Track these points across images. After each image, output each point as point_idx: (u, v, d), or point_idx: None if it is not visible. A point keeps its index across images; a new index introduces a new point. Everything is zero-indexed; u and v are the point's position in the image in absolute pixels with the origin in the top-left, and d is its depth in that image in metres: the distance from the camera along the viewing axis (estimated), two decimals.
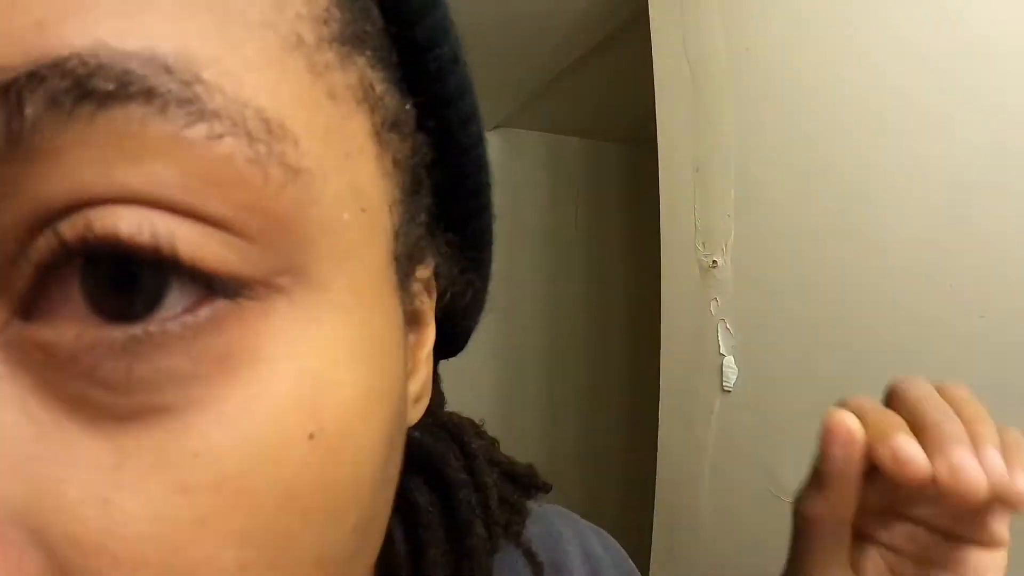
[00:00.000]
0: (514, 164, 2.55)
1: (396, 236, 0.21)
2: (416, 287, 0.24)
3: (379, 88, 0.20)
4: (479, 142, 0.26)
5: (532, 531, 0.35)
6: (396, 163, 0.21)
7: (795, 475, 0.98)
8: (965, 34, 0.80)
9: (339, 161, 0.18)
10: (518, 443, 2.48)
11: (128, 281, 0.14)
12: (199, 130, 0.14)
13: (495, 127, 2.51)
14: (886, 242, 0.90)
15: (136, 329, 0.14)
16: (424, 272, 0.25)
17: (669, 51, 1.31)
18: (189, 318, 0.15)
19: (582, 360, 2.63)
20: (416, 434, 0.30)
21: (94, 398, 0.14)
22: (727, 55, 1.17)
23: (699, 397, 1.21)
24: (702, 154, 1.23)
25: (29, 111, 0.13)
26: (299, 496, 0.16)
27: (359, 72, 0.19)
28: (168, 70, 0.14)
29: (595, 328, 2.64)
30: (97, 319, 0.14)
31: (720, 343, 1.17)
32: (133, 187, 0.14)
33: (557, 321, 2.60)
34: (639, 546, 1.38)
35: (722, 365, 1.16)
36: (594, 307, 2.64)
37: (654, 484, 1.29)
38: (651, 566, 1.28)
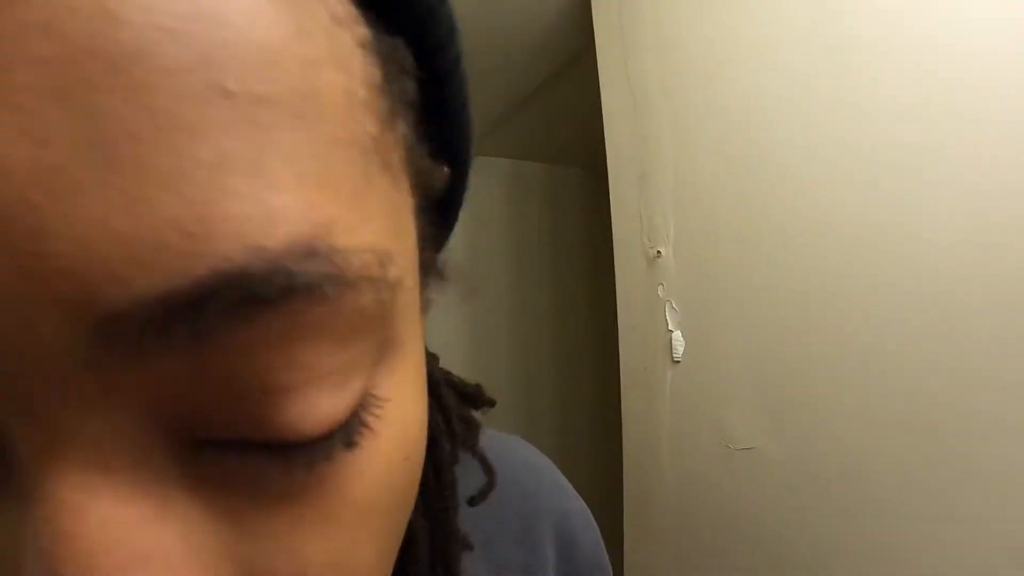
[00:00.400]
0: (480, 188, 2.72)
1: (422, 262, 0.21)
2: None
3: (412, 139, 0.20)
4: (469, 144, 0.26)
5: (506, 468, 0.38)
6: (418, 213, 0.21)
7: (742, 427, 1.17)
8: (872, 44, 0.96)
9: (404, 243, 0.18)
10: (490, 423, 2.63)
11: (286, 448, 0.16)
12: (345, 299, 0.15)
13: None
14: (798, 224, 1.08)
15: (296, 463, 0.16)
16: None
17: (614, 76, 1.50)
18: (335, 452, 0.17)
19: (550, 357, 2.79)
20: None
21: (258, 484, 0.16)
22: (660, 76, 1.37)
23: (654, 369, 1.38)
24: (645, 166, 1.42)
25: (209, 320, 0.13)
26: (403, 503, 0.20)
27: (403, 133, 0.19)
28: (314, 254, 0.14)
29: (560, 327, 2.79)
30: (263, 465, 0.16)
31: (668, 320, 1.35)
32: (296, 371, 0.15)
33: (525, 327, 2.74)
34: (612, 507, 1.53)
35: (671, 340, 1.33)
36: (558, 309, 2.81)
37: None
38: (624, 525, 1.42)
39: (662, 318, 1.36)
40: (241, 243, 0.13)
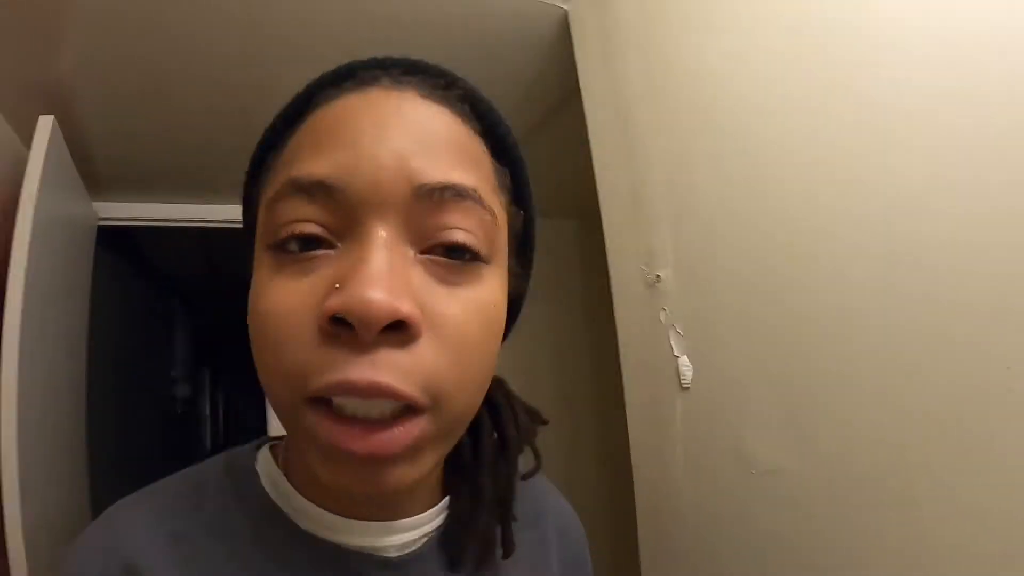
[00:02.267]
0: None
1: (509, 256, 0.46)
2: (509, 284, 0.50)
3: (507, 203, 0.46)
4: (534, 222, 0.52)
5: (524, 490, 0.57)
6: (510, 230, 0.47)
7: (762, 450, 1.10)
8: (863, 58, 0.93)
9: (503, 227, 0.44)
10: None
11: (457, 250, 0.40)
12: (481, 212, 0.41)
13: None
14: (802, 234, 1.02)
15: (457, 262, 0.40)
16: (512, 280, 0.50)
17: (600, 102, 1.49)
18: (471, 263, 0.40)
19: (551, 394, 2.79)
20: None
21: (443, 278, 0.39)
22: (648, 97, 1.34)
23: (662, 399, 1.31)
24: (639, 187, 1.38)
25: (446, 195, 0.39)
26: (493, 323, 0.42)
27: (503, 197, 0.46)
28: (476, 190, 0.41)
29: (561, 371, 2.79)
30: (447, 258, 0.40)
31: (673, 346, 1.28)
32: (465, 225, 0.40)
33: (527, 378, 2.70)
34: (626, 548, 1.44)
35: (678, 365, 1.26)
36: (559, 353, 2.83)
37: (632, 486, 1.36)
38: (640, 555, 1.34)
39: (666, 345, 1.29)
40: (459, 179, 0.40)
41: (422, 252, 0.40)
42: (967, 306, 0.80)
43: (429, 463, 0.40)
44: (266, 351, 0.39)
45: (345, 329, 0.35)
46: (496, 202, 0.44)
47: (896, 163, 0.89)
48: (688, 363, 1.24)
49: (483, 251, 0.41)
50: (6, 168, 1.57)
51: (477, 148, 0.44)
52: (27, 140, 1.53)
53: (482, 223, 0.41)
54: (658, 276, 1.32)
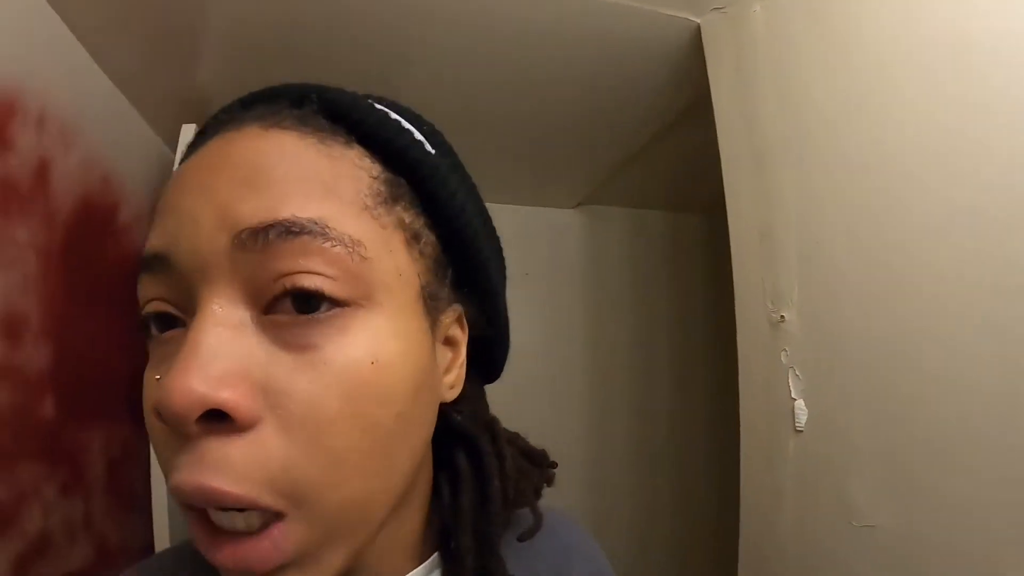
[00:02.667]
0: (598, 238, 2.73)
1: (422, 288, 0.42)
2: (447, 320, 0.45)
3: (407, 218, 0.41)
4: (474, 236, 0.46)
5: (544, 541, 0.52)
6: (421, 253, 0.42)
7: (865, 503, 1.12)
8: (1012, 103, 0.91)
9: (386, 254, 0.39)
10: (609, 486, 2.57)
11: (306, 301, 0.35)
12: (327, 244, 0.35)
13: (578, 204, 2.71)
14: (934, 287, 1.02)
15: (307, 317, 0.35)
16: (452, 314, 0.46)
17: (732, 128, 1.49)
18: (328, 313, 0.35)
19: (668, 421, 2.73)
20: (458, 419, 0.49)
21: (289, 343, 0.35)
22: (781, 128, 1.34)
23: (777, 438, 1.34)
24: (767, 222, 1.39)
25: (271, 236, 0.34)
26: (367, 386, 0.36)
27: (397, 214, 0.41)
28: (314, 222, 0.35)
29: (681, 389, 2.73)
30: (294, 314, 0.35)
31: (791, 388, 1.30)
32: (307, 267, 0.35)
33: (646, 384, 2.72)
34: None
35: (794, 408, 1.29)
36: (680, 364, 2.74)
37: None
38: None
39: (785, 385, 1.32)
40: (288, 214, 0.34)
41: (265, 311, 0.35)
42: None
43: (336, 563, 0.36)
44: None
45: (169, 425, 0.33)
46: (369, 226, 0.38)
47: None
48: (803, 407, 1.27)
49: (341, 293, 0.35)
50: (155, 173, 1.77)
51: (339, 165, 0.39)
52: (173, 147, 1.64)
53: (332, 258, 0.35)
54: (782, 316, 1.34)
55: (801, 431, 1.27)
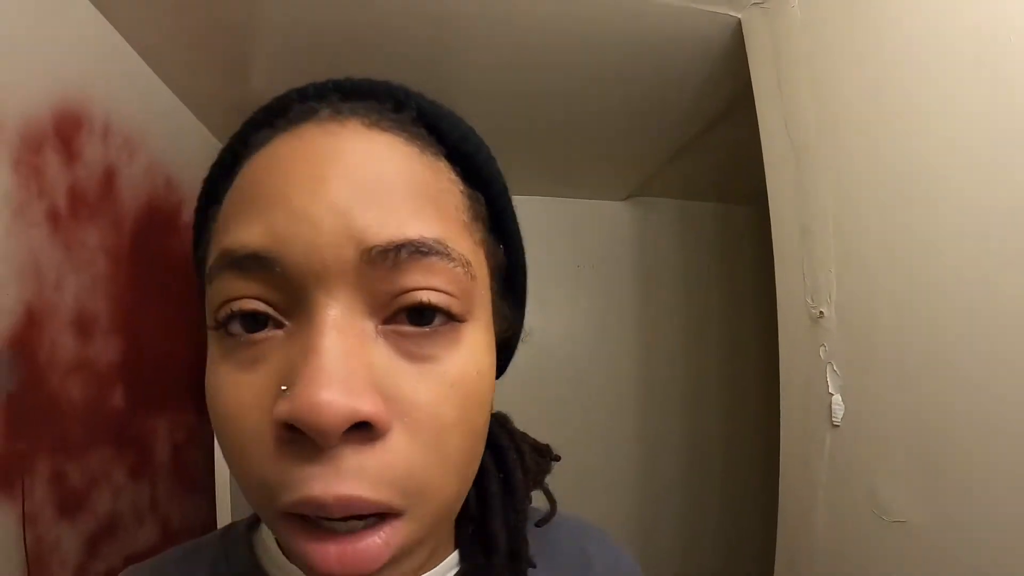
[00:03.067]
0: (649, 229, 2.73)
1: (492, 302, 0.43)
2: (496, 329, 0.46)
3: (485, 235, 0.42)
4: (522, 251, 0.49)
5: (563, 538, 0.55)
6: (491, 270, 0.43)
7: (895, 499, 1.13)
8: None
9: (480, 271, 0.40)
10: (660, 474, 2.58)
11: (421, 313, 0.35)
12: (450, 265, 0.36)
13: (628, 197, 2.71)
14: (968, 286, 1.00)
15: (426, 329, 0.36)
16: (497, 321, 0.47)
17: (772, 125, 1.48)
18: (443, 327, 0.36)
19: (717, 411, 2.73)
20: None
21: (411, 353, 0.35)
22: (818, 126, 1.33)
23: (814, 432, 1.34)
24: (806, 217, 1.38)
25: (402, 255, 0.34)
26: (474, 395, 0.37)
27: (479, 230, 0.41)
28: (439, 242, 0.35)
29: (731, 379, 2.71)
30: (412, 326, 0.35)
31: (829, 383, 1.30)
32: (431, 284, 0.35)
33: (697, 375, 2.71)
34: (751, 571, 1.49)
35: (831, 403, 1.29)
36: (730, 355, 2.74)
37: (753, 512, 1.41)
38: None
39: (823, 380, 1.31)
40: (416, 233, 0.34)
41: (384, 322, 0.35)
42: None
43: (423, 557, 0.39)
44: (231, 458, 0.36)
45: (301, 435, 0.32)
46: (469, 243, 0.39)
47: None
48: (840, 402, 1.26)
49: (456, 309, 0.36)
50: None
51: (440, 179, 0.39)
52: None
53: (452, 277, 0.36)
54: (821, 312, 1.33)
55: (838, 426, 1.27)
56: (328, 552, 0.32)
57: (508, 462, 0.50)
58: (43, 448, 1.17)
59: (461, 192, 0.40)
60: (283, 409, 0.31)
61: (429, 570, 0.45)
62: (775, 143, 1.48)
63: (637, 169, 2.43)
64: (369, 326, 0.35)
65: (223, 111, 1.75)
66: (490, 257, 0.42)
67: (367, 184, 0.35)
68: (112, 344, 1.42)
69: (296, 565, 0.40)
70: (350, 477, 0.32)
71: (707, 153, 2.23)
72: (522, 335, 0.54)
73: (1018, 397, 0.92)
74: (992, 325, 0.96)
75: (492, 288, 0.42)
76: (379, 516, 0.34)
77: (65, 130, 1.24)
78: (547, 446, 0.56)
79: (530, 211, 2.71)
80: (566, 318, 2.72)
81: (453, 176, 0.40)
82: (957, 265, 1.02)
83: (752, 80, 1.53)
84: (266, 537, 0.46)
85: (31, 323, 1.16)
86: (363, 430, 0.32)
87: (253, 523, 0.49)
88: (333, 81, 0.42)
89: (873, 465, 1.17)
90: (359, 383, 0.32)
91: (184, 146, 1.72)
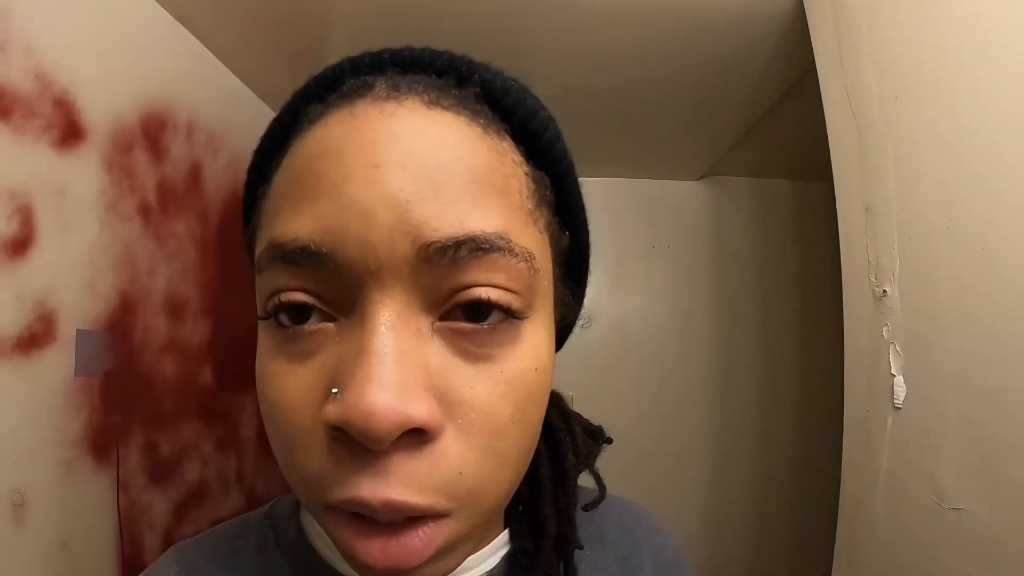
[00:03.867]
0: (723, 208, 2.69)
1: (555, 291, 0.41)
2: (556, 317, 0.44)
3: (550, 219, 0.40)
4: (587, 231, 0.46)
5: (611, 519, 0.54)
6: (555, 257, 0.41)
7: (954, 486, 1.11)
8: None
9: (544, 262, 0.37)
10: (732, 456, 2.56)
11: (478, 311, 0.33)
12: (513, 261, 0.34)
13: (702, 176, 2.68)
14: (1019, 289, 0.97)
15: (483, 326, 0.34)
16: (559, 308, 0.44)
17: (836, 102, 1.45)
18: (501, 324, 0.34)
19: (791, 391, 2.67)
20: None
21: (467, 351, 0.33)
22: (880, 103, 1.29)
23: (876, 413, 1.31)
24: (870, 195, 1.35)
25: (461, 252, 0.32)
26: (532, 394, 0.36)
27: (544, 215, 0.39)
28: (501, 237, 0.33)
29: (806, 361, 2.64)
30: (469, 323, 0.33)
31: (891, 364, 1.27)
32: (492, 281, 0.33)
33: (771, 354, 2.66)
34: (813, 560, 1.47)
35: (893, 384, 1.25)
36: (806, 334, 2.66)
37: (824, 496, 1.39)
38: (834, 561, 1.37)
39: (886, 360, 1.28)
40: (478, 226, 0.32)
41: (440, 319, 0.34)
42: None
43: (468, 551, 0.37)
44: (279, 449, 0.35)
45: (351, 435, 0.31)
46: (533, 232, 0.37)
47: None
48: (903, 383, 1.23)
49: (517, 306, 0.34)
50: None
51: (505, 162, 0.36)
52: None
53: (515, 274, 0.34)
54: (884, 291, 1.30)
55: (900, 408, 1.24)
56: (372, 546, 0.32)
57: (560, 444, 0.49)
58: (137, 421, 1.29)
59: (526, 175, 0.38)
60: (334, 413, 0.30)
61: (478, 550, 0.44)
62: (838, 120, 1.44)
63: (709, 148, 2.40)
64: (425, 323, 0.33)
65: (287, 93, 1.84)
66: (555, 243, 0.40)
67: (425, 172, 0.32)
68: (201, 326, 1.54)
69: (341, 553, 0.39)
70: (398, 483, 0.31)
71: (780, 130, 2.18)
72: (582, 321, 0.52)
73: None
74: None
75: (554, 275, 0.40)
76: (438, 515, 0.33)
77: (152, 131, 1.35)
78: (600, 428, 0.55)
79: (605, 193, 2.72)
80: (641, 299, 2.71)
81: (518, 157, 0.38)
82: (1019, 247, 0.98)
83: (815, 57, 1.49)
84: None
85: (126, 308, 1.28)
86: (415, 434, 0.31)
87: (292, 505, 0.49)
88: (390, 51, 0.39)
89: (933, 450, 1.14)
90: (412, 387, 0.30)
91: None
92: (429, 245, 0.31)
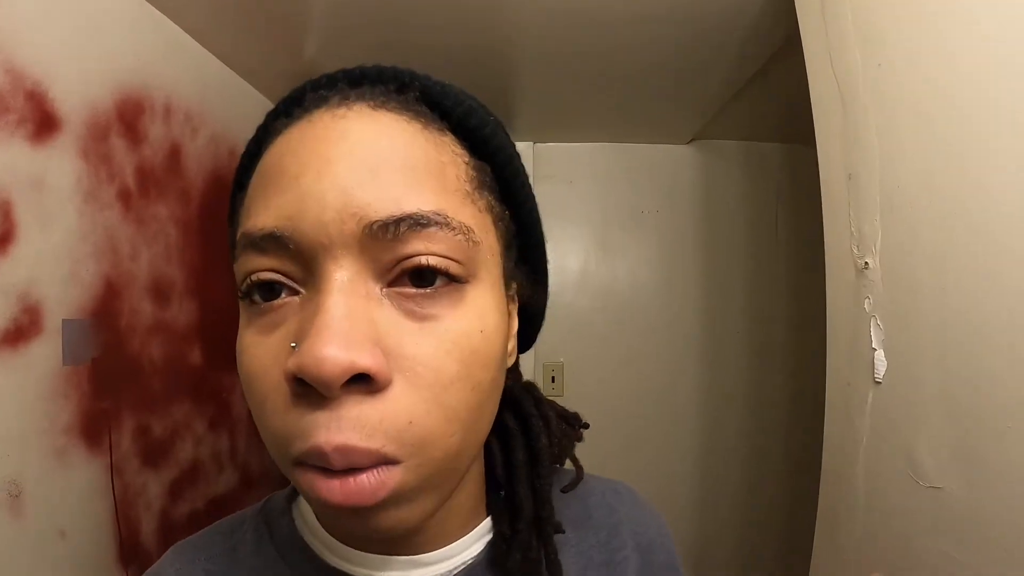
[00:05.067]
0: (713, 171, 2.67)
1: (502, 266, 0.45)
2: (510, 293, 0.48)
3: (492, 202, 0.44)
4: (536, 220, 0.50)
5: (594, 497, 0.57)
6: (500, 235, 0.45)
7: (932, 464, 1.12)
8: None
9: (484, 236, 0.42)
10: (721, 426, 2.58)
11: (422, 276, 0.38)
12: (451, 233, 0.38)
13: (691, 140, 2.65)
14: (1014, 242, 0.95)
15: (428, 290, 0.38)
16: (513, 287, 0.49)
17: (819, 69, 1.43)
18: (445, 288, 0.38)
19: (782, 357, 2.68)
20: (509, 383, 0.51)
21: (413, 312, 0.38)
22: (864, 71, 1.27)
23: (857, 387, 1.32)
24: (853, 163, 1.34)
25: (402, 228, 0.37)
26: (477, 352, 0.39)
27: (486, 198, 0.44)
28: (438, 214, 0.38)
29: (797, 328, 2.65)
30: (414, 288, 0.38)
31: (872, 338, 1.28)
32: (432, 250, 0.37)
33: (761, 321, 2.67)
34: (802, 531, 1.49)
35: (874, 359, 1.27)
36: (796, 299, 2.66)
37: (810, 471, 1.41)
38: (814, 548, 1.40)
39: (867, 334, 1.29)
40: (415, 205, 0.37)
41: (389, 285, 0.38)
42: None
43: (428, 506, 0.40)
44: (255, 413, 0.39)
45: (310, 388, 0.35)
46: (472, 211, 0.41)
47: None
48: (883, 358, 1.24)
49: (457, 271, 0.39)
50: None
51: (443, 153, 0.41)
52: None
53: (453, 244, 0.39)
54: (866, 263, 1.30)
55: (880, 383, 1.25)
56: (332, 485, 0.35)
57: (533, 428, 0.52)
58: (127, 405, 1.31)
59: (466, 163, 0.43)
60: (291, 363, 0.35)
61: (461, 537, 0.48)
62: (822, 87, 1.43)
63: (698, 112, 2.36)
64: (375, 288, 0.37)
65: (280, 79, 1.82)
66: (498, 222, 0.45)
67: (369, 162, 0.38)
68: (187, 307, 1.55)
69: (312, 508, 0.45)
70: (348, 428, 0.35)
71: (769, 93, 2.15)
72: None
73: None
74: None
75: (502, 254, 0.45)
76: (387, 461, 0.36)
77: (128, 116, 1.34)
78: (575, 414, 0.58)
79: (593, 158, 2.70)
80: (630, 264, 2.71)
81: (459, 149, 0.43)
82: (1004, 218, 0.98)
83: (799, 22, 1.47)
84: (304, 509, 0.50)
85: (111, 294, 1.28)
86: (364, 383, 0.35)
87: (291, 495, 0.52)
88: (343, 71, 0.45)
89: (911, 427, 1.15)
90: (360, 338, 0.35)
91: (245, 116, 1.80)
92: (373, 223, 0.36)
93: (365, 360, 0.34)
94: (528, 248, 0.50)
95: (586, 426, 0.58)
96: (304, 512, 0.50)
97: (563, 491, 0.54)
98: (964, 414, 1.04)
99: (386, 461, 0.36)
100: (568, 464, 0.58)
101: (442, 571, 0.47)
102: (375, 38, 1.71)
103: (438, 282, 0.38)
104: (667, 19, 1.71)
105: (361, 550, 0.45)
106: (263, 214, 0.38)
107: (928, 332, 1.13)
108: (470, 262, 0.39)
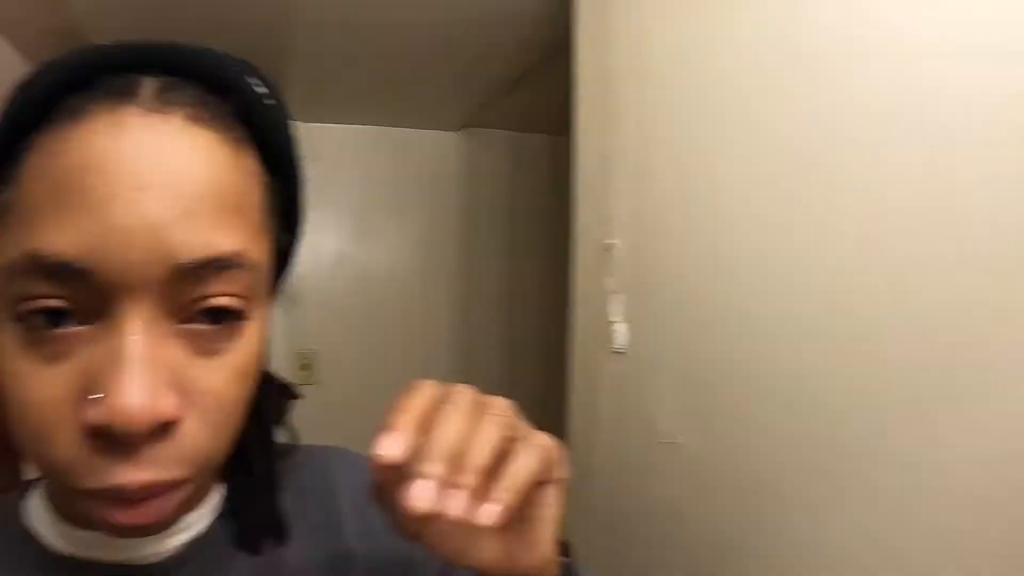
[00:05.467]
0: (479, 160, 2.71)
1: (271, 280, 0.44)
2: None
3: (275, 224, 0.44)
4: (304, 219, 0.49)
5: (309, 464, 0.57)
6: (274, 253, 0.44)
7: (667, 422, 1.18)
8: (857, 51, 0.88)
9: (269, 264, 0.42)
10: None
11: (214, 315, 0.38)
12: (247, 275, 0.38)
13: (461, 127, 2.68)
14: (750, 223, 1.06)
15: (218, 328, 0.38)
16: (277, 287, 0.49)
17: (588, 62, 1.50)
18: (232, 324, 0.39)
19: (535, 351, 2.80)
20: None
21: (203, 348, 0.38)
22: (629, 66, 1.35)
23: (598, 359, 1.39)
24: (608, 148, 1.41)
25: (208, 271, 0.36)
26: (252, 373, 0.41)
27: (274, 224, 0.44)
28: (239, 255, 0.37)
29: (551, 313, 2.78)
30: (207, 325, 0.38)
31: (612, 311, 1.35)
32: (228, 291, 0.37)
33: (514, 309, 2.78)
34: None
35: (614, 330, 1.34)
36: (552, 292, 2.78)
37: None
38: (568, 510, 1.47)
39: (607, 308, 1.36)
40: (217, 249, 0.36)
41: (182, 322, 0.37)
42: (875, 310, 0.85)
43: (182, 496, 0.40)
44: (30, 443, 0.37)
45: (108, 433, 0.34)
46: (263, 244, 0.41)
47: (855, 165, 0.88)
48: (625, 330, 1.32)
49: (242, 306, 0.39)
50: None
51: (248, 181, 0.41)
52: None
53: (246, 284, 0.39)
54: (612, 243, 1.37)
55: (622, 352, 1.32)
56: (128, 513, 0.37)
57: (259, 398, 0.51)
58: None
59: (264, 185, 0.43)
60: (94, 415, 0.34)
61: (194, 511, 0.48)
62: (589, 76, 1.50)
63: (471, 99, 2.40)
64: (170, 328, 0.37)
65: (39, 35, 1.61)
66: (276, 243, 0.45)
67: (184, 198, 0.36)
68: None
69: (96, 527, 0.42)
70: (147, 467, 0.36)
71: (542, 85, 2.20)
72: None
73: (783, 328, 0.99)
74: (770, 262, 1.02)
75: (273, 266, 0.45)
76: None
77: None
78: (289, 384, 0.58)
79: (356, 142, 2.63)
80: (390, 249, 2.69)
81: (257, 167, 0.42)
82: (743, 202, 1.08)
83: (575, 22, 1.53)
84: (40, 506, 0.47)
85: None
86: (163, 425, 0.36)
87: (17, 496, 0.50)
88: (155, 49, 0.40)
89: (651, 390, 1.25)
90: (162, 389, 0.35)
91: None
92: (182, 265, 0.36)
93: (169, 409, 0.35)
94: (290, 211, 0.49)
95: (298, 396, 0.58)
96: (38, 505, 0.47)
97: (279, 458, 0.54)
98: (698, 375, 1.14)
99: (177, 484, 0.38)
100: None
101: (180, 542, 0.47)
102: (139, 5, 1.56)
103: (228, 319, 0.39)
104: (444, 7, 1.71)
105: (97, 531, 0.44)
106: (56, 235, 0.35)
107: (668, 308, 1.23)
108: (255, 297, 0.40)
